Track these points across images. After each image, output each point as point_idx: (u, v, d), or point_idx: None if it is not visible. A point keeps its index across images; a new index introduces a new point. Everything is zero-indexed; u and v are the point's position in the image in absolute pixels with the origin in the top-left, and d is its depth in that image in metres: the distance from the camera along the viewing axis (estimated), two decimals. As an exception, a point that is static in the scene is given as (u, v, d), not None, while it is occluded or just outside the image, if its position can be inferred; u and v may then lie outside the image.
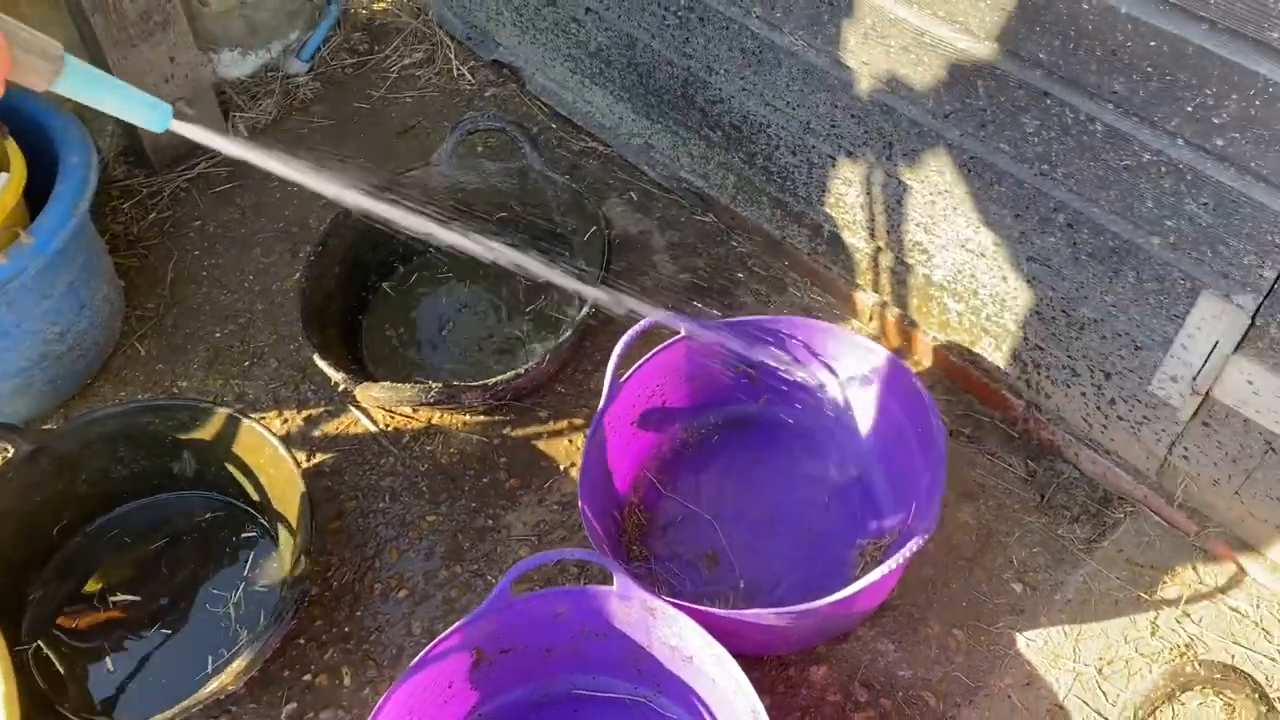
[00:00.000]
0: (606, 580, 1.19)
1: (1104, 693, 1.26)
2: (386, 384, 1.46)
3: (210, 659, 1.35)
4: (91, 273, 1.60)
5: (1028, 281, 1.35)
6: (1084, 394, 1.38)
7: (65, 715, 1.33)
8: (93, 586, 1.45)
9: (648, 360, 1.42)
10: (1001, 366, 1.48)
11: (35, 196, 1.49)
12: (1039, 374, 1.43)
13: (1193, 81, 1.03)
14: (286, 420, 1.62)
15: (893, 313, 1.60)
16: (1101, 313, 1.28)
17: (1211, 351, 1.19)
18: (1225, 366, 1.18)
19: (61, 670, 1.37)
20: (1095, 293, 1.27)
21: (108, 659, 1.38)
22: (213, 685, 1.21)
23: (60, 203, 1.46)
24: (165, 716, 1.24)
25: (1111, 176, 1.16)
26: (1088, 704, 1.26)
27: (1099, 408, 1.38)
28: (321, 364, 1.49)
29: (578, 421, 1.60)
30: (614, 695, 1.30)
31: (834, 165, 1.50)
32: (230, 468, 1.45)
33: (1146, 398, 1.30)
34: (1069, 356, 1.37)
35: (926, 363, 1.60)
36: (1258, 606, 1.31)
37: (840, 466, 1.48)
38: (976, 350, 1.50)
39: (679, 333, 1.42)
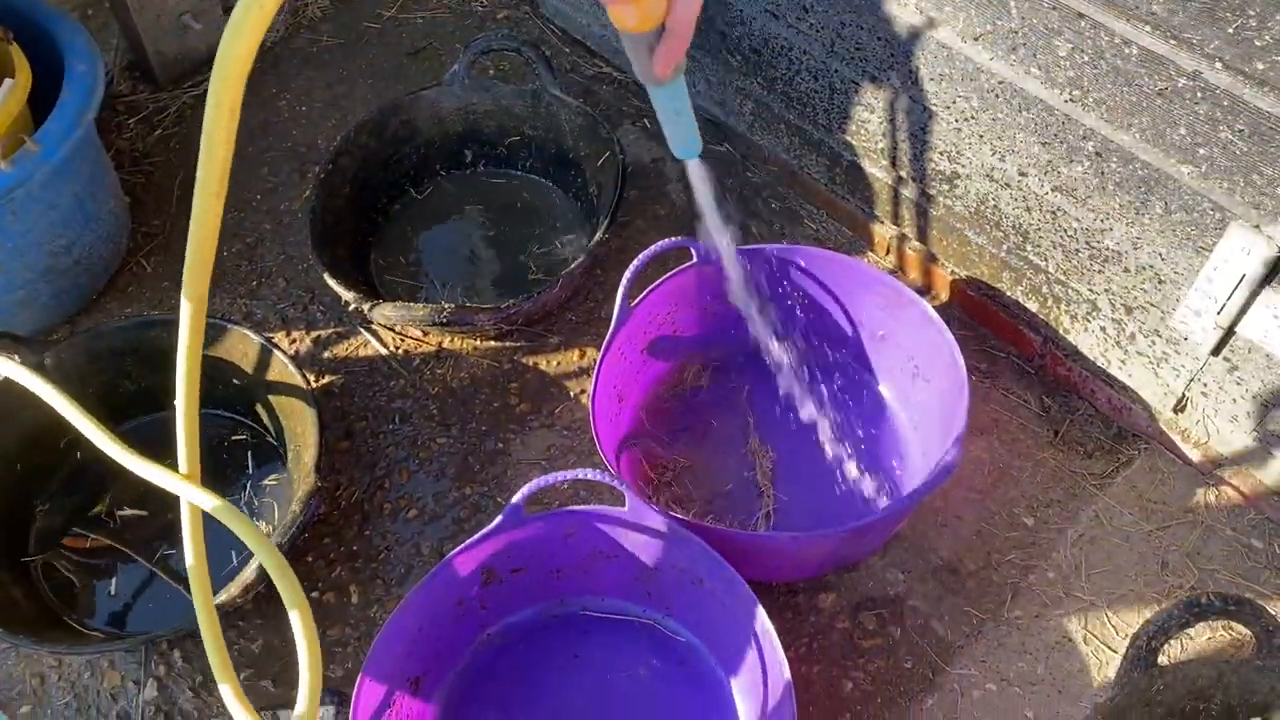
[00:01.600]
0: (618, 503, 1.19)
1: (1113, 626, 1.26)
2: (399, 304, 1.44)
3: (216, 575, 1.34)
4: (98, 186, 1.58)
5: (1052, 213, 1.32)
6: (1103, 329, 1.37)
7: (74, 627, 1.33)
8: (101, 506, 1.44)
9: (659, 286, 1.40)
10: (1021, 301, 1.46)
11: (40, 105, 1.46)
12: (1058, 309, 1.41)
13: (1236, 2, 0.99)
14: (295, 340, 1.60)
15: (912, 246, 1.58)
16: (1126, 245, 1.26)
17: (1238, 285, 1.17)
18: (1251, 301, 1.17)
19: (71, 582, 1.37)
20: (1120, 224, 1.25)
21: (116, 576, 1.38)
22: (220, 599, 1.21)
23: (66, 111, 1.43)
24: (173, 630, 1.24)
25: (1144, 103, 1.13)
26: (1096, 636, 1.26)
27: (1118, 343, 1.36)
28: (332, 283, 1.47)
29: (589, 349, 1.59)
30: (623, 617, 1.30)
31: (857, 90, 1.47)
32: (239, 385, 1.44)
33: (1168, 333, 1.29)
34: (1090, 290, 1.35)
35: (944, 297, 1.58)
36: (1270, 543, 1.31)
37: (859, 402, 1.47)
38: (996, 285, 1.48)
39: (692, 258, 1.40)
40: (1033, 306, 1.45)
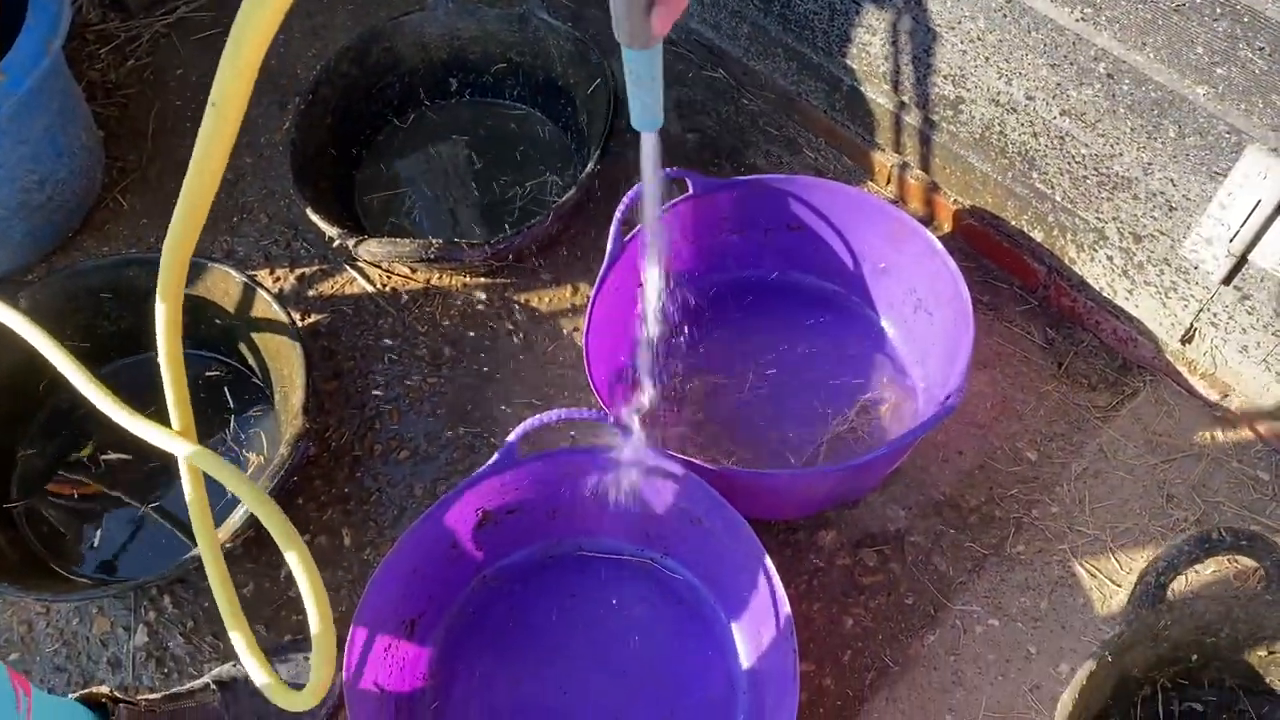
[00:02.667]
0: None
1: (1117, 561, 1.25)
2: (385, 239, 1.39)
3: (207, 518, 1.32)
4: (69, 118, 1.51)
5: (1060, 138, 1.28)
6: (1110, 258, 1.33)
7: (61, 574, 1.31)
8: (85, 450, 1.41)
9: (655, 219, 1.36)
10: (1025, 231, 1.42)
11: (4, 34, 1.40)
12: (1064, 238, 1.37)
13: (1262, -90, 0.94)
14: (279, 278, 1.56)
15: (914, 175, 1.53)
16: (1136, 171, 1.22)
17: (1252, 211, 1.13)
18: (1267, 227, 1.13)
19: (57, 529, 1.34)
20: (1131, 149, 1.21)
21: (103, 522, 1.35)
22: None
23: (32, 37, 1.36)
24: (162, 575, 1.22)
25: (1160, 20, 1.08)
26: (1099, 571, 1.24)
27: (1125, 272, 1.33)
28: (315, 218, 1.43)
29: (581, 285, 1.55)
30: (621, 557, 1.28)
31: (858, 11, 1.41)
32: (221, 325, 1.40)
33: (1177, 261, 1.25)
34: (1098, 218, 1.31)
35: (947, 227, 1.54)
36: (1276, 476, 1.29)
37: (858, 336, 1.43)
38: (1000, 214, 1.44)
39: (687, 190, 1.35)
40: (1038, 236, 1.41)
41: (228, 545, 1.21)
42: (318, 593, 0.97)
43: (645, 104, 0.82)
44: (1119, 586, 1.23)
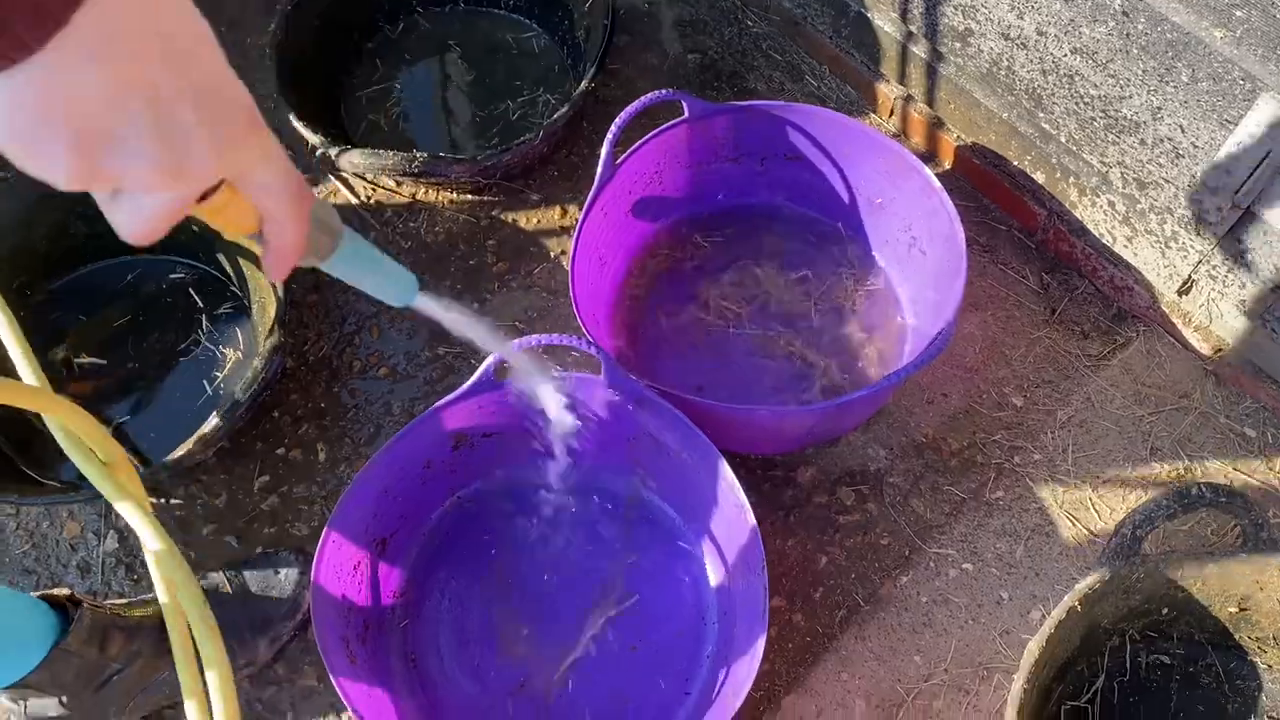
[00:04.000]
0: (595, 370, 1.14)
1: (1096, 511, 1.24)
2: (368, 150, 1.35)
3: (179, 428, 1.30)
4: None
5: (1069, 77, 1.23)
6: (1112, 204, 1.30)
7: (32, 478, 1.29)
8: (59, 354, 1.38)
9: (646, 142, 1.31)
10: (1028, 172, 1.38)
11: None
12: (1067, 181, 1.34)
13: None
14: (261, 186, 1.52)
15: (917, 108, 1.49)
16: (1145, 115, 1.18)
17: (1262, 162, 1.09)
18: (1274, 180, 1.10)
19: (28, 432, 1.32)
20: (1142, 92, 1.17)
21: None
22: (179, 452, 1.17)
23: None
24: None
25: (1182, -44, 1.04)
26: (1078, 520, 1.23)
27: (1126, 219, 1.29)
28: (298, 125, 1.38)
29: (570, 208, 1.51)
30: (596, 484, 1.26)
31: (869, -66, 1.36)
32: (197, 231, 1.37)
33: (1180, 211, 1.22)
34: (1102, 162, 1.27)
35: (948, 165, 1.50)
36: (1263, 432, 1.28)
37: (850, 272, 1.40)
38: (1003, 154, 1.40)
39: (683, 113, 1.31)
40: (1040, 178, 1.37)
41: (199, 456, 1.19)
42: (223, 675, 0.92)
43: (381, 290, 0.69)
44: (1096, 536, 1.22)
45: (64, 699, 1.05)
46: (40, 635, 1.00)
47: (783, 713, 1.14)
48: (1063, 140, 1.31)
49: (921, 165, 1.27)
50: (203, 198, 0.51)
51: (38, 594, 1.03)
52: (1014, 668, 1.14)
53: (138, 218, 0.48)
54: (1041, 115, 1.31)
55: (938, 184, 1.26)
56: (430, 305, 0.77)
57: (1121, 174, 1.26)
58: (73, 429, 0.95)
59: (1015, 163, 1.39)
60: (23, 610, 0.99)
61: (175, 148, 0.45)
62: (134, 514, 0.93)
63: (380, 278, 0.68)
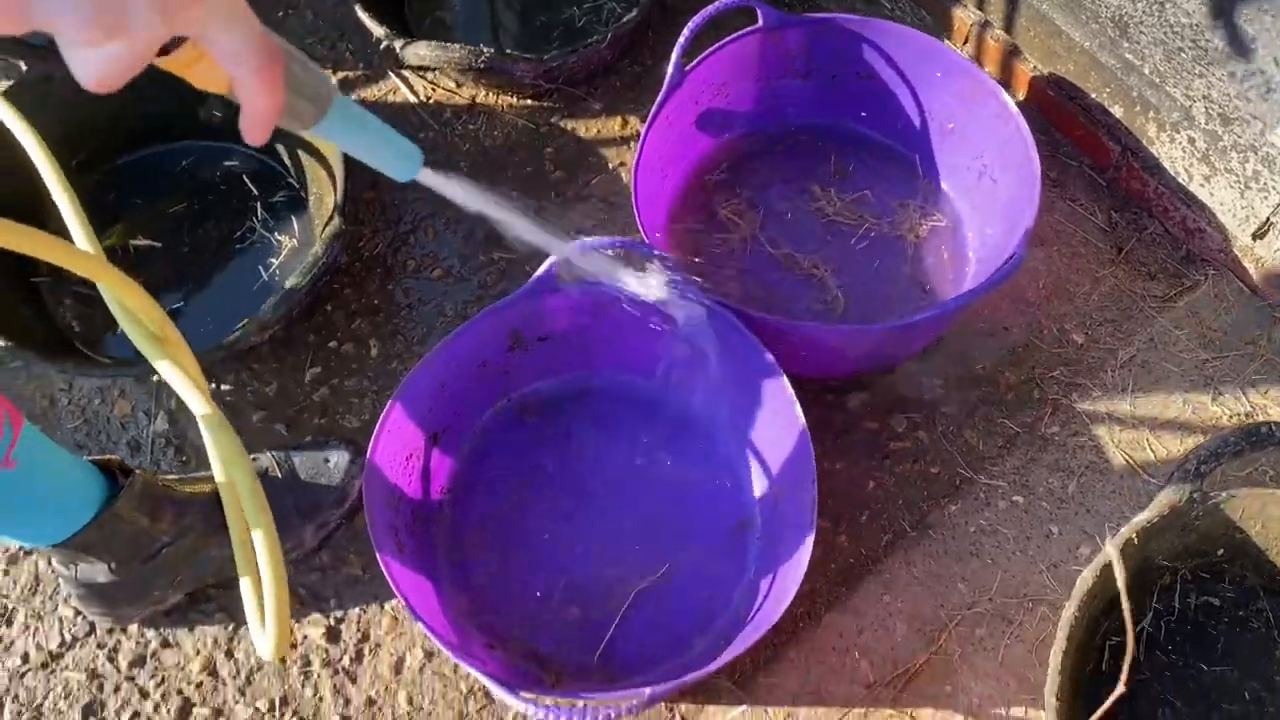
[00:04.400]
0: (656, 276, 1.12)
1: (1153, 451, 1.22)
2: (434, 42, 1.33)
3: (233, 314, 1.30)
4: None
5: (1160, 3, 1.19)
6: (1192, 141, 1.26)
7: (84, 353, 1.29)
8: (112, 238, 1.38)
9: (716, 50, 1.29)
10: (1105, 105, 1.35)
11: None
12: (1145, 116, 1.30)
13: None
14: (321, 80, 1.50)
15: (994, 35, 1.45)
16: (1237, 46, 1.14)
17: (1359, 99, 1.06)
18: (1371, 117, 1.06)
19: (83, 313, 1.32)
20: (1237, 20, 1.13)
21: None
22: (235, 334, 1.17)
23: None
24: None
25: (1297, -124, 0.99)
26: (1134, 460, 1.22)
27: (1206, 158, 1.26)
28: (363, 16, 1.36)
29: (631, 119, 1.49)
30: (648, 393, 1.25)
31: None
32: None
33: (1265, 149, 1.18)
34: (1186, 96, 1.23)
35: (1021, 96, 1.46)
36: (1330, 384, 1.25)
37: (916, 198, 1.38)
38: (1081, 85, 1.36)
39: (756, 21, 1.28)
40: (1118, 111, 1.34)
41: (255, 340, 1.19)
42: (271, 542, 0.92)
43: (381, 162, 0.67)
44: (1151, 478, 1.20)
45: (113, 566, 1.07)
46: (91, 496, 1.01)
47: (823, 628, 1.14)
48: (1146, 72, 1.27)
49: (999, 89, 1.24)
50: (164, 51, 0.50)
51: (91, 459, 1.03)
52: (1060, 601, 1.13)
53: (89, 66, 0.47)
54: (1126, 45, 1.27)
55: (1014, 109, 1.22)
56: (436, 180, 0.75)
57: (1205, 109, 1.22)
58: (127, 301, 0.95)
59: (1093, 95, 1.36)
60: (75, 469, 1.00)
61: (109, 4, 0.44)
62: (182, 382, 0.94)
63: (380, 149, 0.66)
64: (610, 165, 1.45)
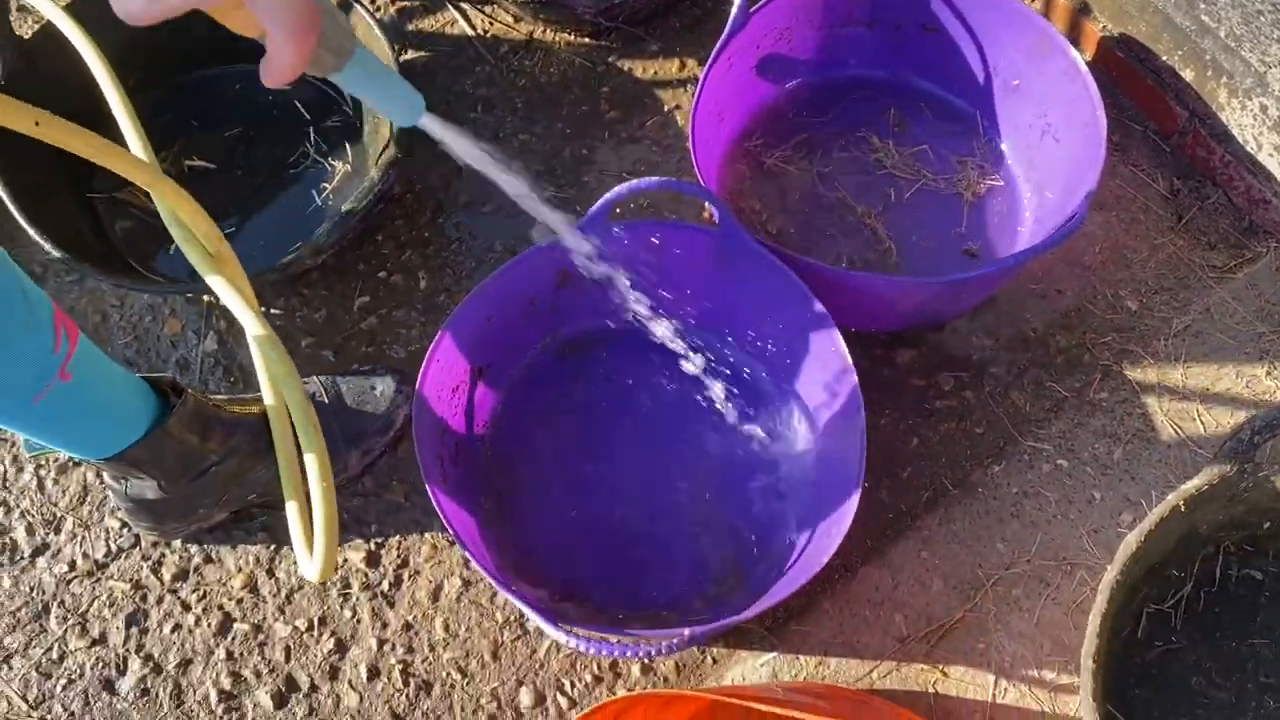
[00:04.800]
0: (705, 225, 1.11)
1: (1202, 423, 1.21)
2: (496, -28, 1.32)
3: (286, 238, 1.30)
4: None
5: (1243, -35, 1.16)
6: (1264, 109, 1.23)
7: (141, 272, 1.31)
8: (169, 161, 1.38)
9: (781, -7, 1.27)
10: (1176, 68, 1.32)
11: None
12: (1217, 81, 1.27)
13: None
14: (380, 8, 1.49)
15: (1064, -9, 1.42)
16: (1322, 12, 1.11)
17: None
18: None
19: (138, 231, 1.33)
20: (1323, -14, 1.10)
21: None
22: (287, 258, 1.17)
23: None
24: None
25: None
26: (1183, 430, 1.20)
27: (1277, 126, 1.23)
28: (425, -56, 1.35)
29: (689, 61, 1.47)
30: (694, 338, 1.25)
31: None
32: (316, 45, 1.35)
33: (1341, 120, 1.16)
34: (1262, 61, 1.20)
35: (1088, 56, 1.43)
36: (1389, 364, 1.23)
37: (976, 156, 1.36)
38: (1152, 47, 1.33)
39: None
40: (1188, 75, 1.31)
41: (308, 263, 1.19)
42: (322, 462, 0.92)
43: (386, 108, 0.70)
44: (1199, 448, 1.19)
45: (162, 483, 1.08)
46: (142, 412, 1.02)
47: (858, 581, 1.14)
48: (1222, 35, 1.24)
49: (1068, 46, 1.21)
50: None
51: (143, 376, 1.04)
52: (1099, 566, 1.13)
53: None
54: (1202, 6, 1.24)
55: (1084, 67, 1.20)
56: (435, 127, 0.78)
57: (1282, 76, 1.19)
58: (182, 215, 0.95)
59: (1164, 58, 1.33)
60: (127, 385, 1.01)
61: None
62: (236, 300, 0.94)
63: (387, 97, 0.69)
64: (665, 107, 1.44)
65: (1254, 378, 1.23)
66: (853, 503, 1.00)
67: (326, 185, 1.34)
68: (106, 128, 1.20)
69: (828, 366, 1.11)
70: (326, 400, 1.17)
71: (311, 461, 0.90)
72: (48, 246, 1.14)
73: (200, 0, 0.52)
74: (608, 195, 1.08)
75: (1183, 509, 1.00)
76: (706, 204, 1.19)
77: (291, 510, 0.97)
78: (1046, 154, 1.29)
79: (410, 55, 1.46)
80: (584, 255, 1.08)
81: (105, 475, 1.10)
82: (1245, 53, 1.22)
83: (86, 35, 1.15)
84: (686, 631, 0.92)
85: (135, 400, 1.02)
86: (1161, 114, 1.37)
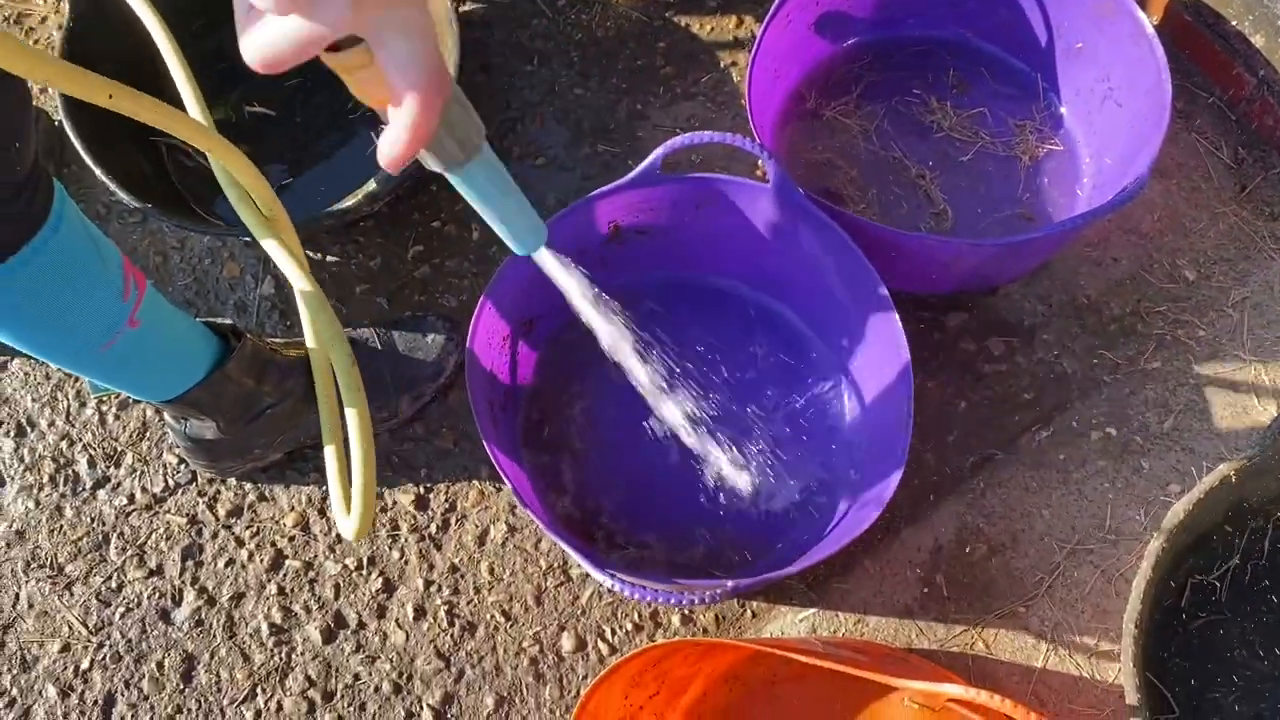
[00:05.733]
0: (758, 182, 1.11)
1: (1257, 395, 1.19)
2: (556, -75, 1.32)
3: (344, 182, 1.31)
4: None
5: (1322, -74, 1.13)
6: (1338, 77, 1.20)
7: (201, 215, 1.33)
8: (229, 108, 1.40)
9: (844, -49, 1.25)
10: (1246, 34, 1.29)
11: None
12: (1289, 47, 1.24)
13: None
14: (438, -41, 1.49)
15: (1133, -48, 1.39)
16: (1403, -23, 1.08)
17: None
18: None
19: (199, 175, 1.35)
20: (1406, -50, 1.06)
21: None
22: (344, 205, 1.19)
23: None
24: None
25: None
26: (1235, 402, 1.19)
27: (1350, 96, 1.20)
28: (486, -106, 1.35)
29: (747, 18, 1.46)
30: (742, 295, 1.25)
31: None
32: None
33: None
34: (1338, 28, 1.17)
35: (1156, 19, 1.40)
36: None
37: (1033, 118, 1.34)
38: (1222, 10, 1.30)
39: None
40: (1259, 41, 1.28)
41: (365, 209, 1.20)
42: (364, 429, 0.93)
43: (505, 228, 0.65)
44: (1253, 422, 1.18)
45: (220, 424, 1.11)
46: (204, 356, 1.04)
47: (900, 542, 1.14)
48: (1297, 0, 1.21)
49: (1135, 8, 1.19)
50: (336, 48, 0.49)
51: (203, 320, 1.07)
52: (1144, 536, 1.12)
53: (262, 40, 0.47)
54: (1278, -30, 1.21)
55: (1150, 30, 1.17)
56: (553, 265, 0.73)
57: (1358, 43, 1.16)
58: (236, 175, 0.97)
59: (1234, 22, 1.29)
60: (190, 330, 1.03)
61: None
62: (287, 259, 0.95)
63: (509, 213, 0.64)
64: (722, 64, 1.43)
65: (1313, 352, 1.21)
66: (898, 471, 0.99)
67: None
68: (165, 86, 1.24)
69: (878, 331, 1.11)
70: (380, 347, 1.19)
71: (353, 422, 0.92)
72: (114, 187, 1.16)
73: (328, 53, 0.50)
74: (658, 149, 1.08)
75: (1233, 480, 0.99)
76: (760, 161, 1.18)
77: (331, 470, 0.98)
78: (1108, 119, 1.27)
79: (469, 6, 1.46)
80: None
81: (165, 414, 1.13)
82: (1320, 18, 1.19)
83: None
84: (730, 583, 0.93)
85: (197, 345, 1.04)
86: (1230, 80, 1.34)
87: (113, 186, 1.17)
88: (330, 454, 0.97)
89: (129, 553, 1.19)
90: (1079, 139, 1.32)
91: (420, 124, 0.51)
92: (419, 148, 0.52)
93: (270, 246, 0.96)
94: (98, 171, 1.17)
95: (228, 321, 1.09)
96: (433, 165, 0.58)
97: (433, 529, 1.18)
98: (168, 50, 1.10)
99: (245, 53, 0.48)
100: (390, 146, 0.51)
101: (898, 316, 1.06)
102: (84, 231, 0.84)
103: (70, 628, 1.16)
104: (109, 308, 0.88)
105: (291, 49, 0.47)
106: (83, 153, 1.18)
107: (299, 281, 0.96)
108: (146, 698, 1.13)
